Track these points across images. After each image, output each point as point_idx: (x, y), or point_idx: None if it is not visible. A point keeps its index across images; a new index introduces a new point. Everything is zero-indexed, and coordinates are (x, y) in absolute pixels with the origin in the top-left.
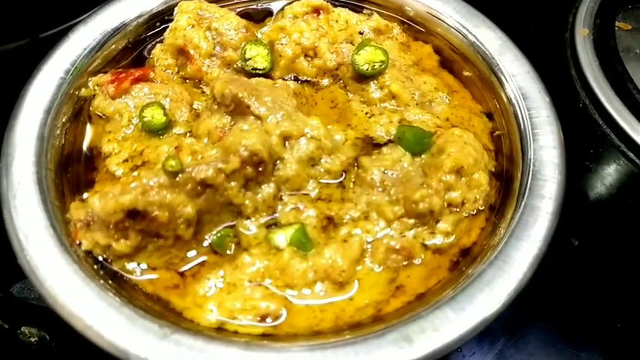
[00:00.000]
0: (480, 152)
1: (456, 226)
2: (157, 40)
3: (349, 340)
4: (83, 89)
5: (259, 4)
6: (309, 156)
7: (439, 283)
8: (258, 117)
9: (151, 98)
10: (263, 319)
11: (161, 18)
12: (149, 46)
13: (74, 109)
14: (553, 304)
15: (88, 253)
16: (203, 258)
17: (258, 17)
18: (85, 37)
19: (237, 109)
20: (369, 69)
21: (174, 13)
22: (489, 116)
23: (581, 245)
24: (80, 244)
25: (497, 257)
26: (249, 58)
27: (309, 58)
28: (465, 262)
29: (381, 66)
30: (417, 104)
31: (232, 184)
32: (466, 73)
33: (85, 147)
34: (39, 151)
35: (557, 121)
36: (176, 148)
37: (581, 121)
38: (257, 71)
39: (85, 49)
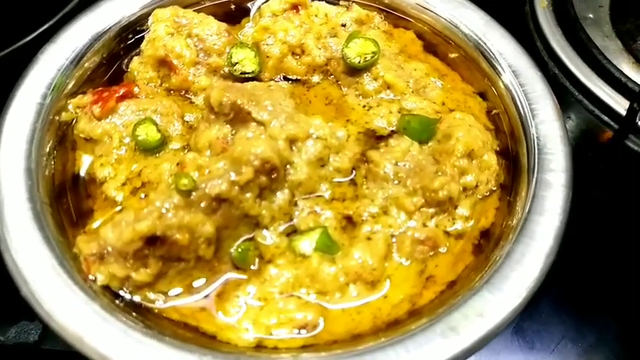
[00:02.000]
0: (484, 133)
1: (474, 210)
2: (133, 53)
3: (396, 338)
4: (63, 113)
5: (232, 5)
6: (318, 157)
7: (467, 268)
8: (260, 123)
9: (139, 115)
10: (301, 330)
11: (133, 29)
12: (125, 60)
13: (57, 135)
14: (564, 272)
15: (105, 287)
16: (227, 276)
17: (233, 19)
18: (56, 56)
19: (238, 117)
20: (362, 61)
21: (149, 22)
22: (482, 96)
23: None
24: (95, 279)
25: (522, 234)
26: (237, 63)
27: (297, 56)
28: (486, 244)
29: (372, 57)
30: (412, 92)
31: (247, 195)
32: (452, 55)
33: (75, 174)
34: (30, 185)
35: (552, 94)
36: (178, 164)
37: (553, 91)
38: (246, 75)
39: (59, 70)
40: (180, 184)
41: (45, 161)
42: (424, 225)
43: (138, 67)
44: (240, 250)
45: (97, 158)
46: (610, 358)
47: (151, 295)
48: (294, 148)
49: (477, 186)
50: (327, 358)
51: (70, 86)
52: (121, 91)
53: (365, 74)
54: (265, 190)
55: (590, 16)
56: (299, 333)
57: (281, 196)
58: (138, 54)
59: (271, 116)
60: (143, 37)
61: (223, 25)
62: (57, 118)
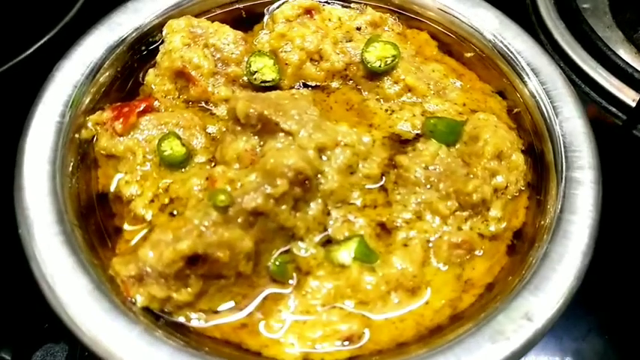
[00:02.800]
0: (510, 133)
1: (505, 211)
2: (148, 65)
3: (445, 345)
4: (83, 131)
5: (242, 12)
6: (347, 164)
7: (503, 270)
8: (288, 133)
9: (161, 129)
10: (346, 341)
11: (146, 41)
12: (140, 72)
13: (78, 153)
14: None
15: (145, 308)
16: (267, 291)
17: (244, 25)
18: (71, 72)
19: (265, 128)
20: (382, 65)
21: (163, 34)
22: (501, 94)
23: None
24: (134, 301)
25: (556, 234)
26: (256, 71)
27: (316, 62)
28: (520, 245)
29: (393, 61)
30: (433, 94)
31: (282, 207)
32: (468, 55)
33: (99, 193)
34: (57, 208)
35: (573, 92)
36: (208, 179)
37: None
38: (266, 84)
39: (75, 86)
40: (217, 201)
41: (69, 182)
42: (459, 229)
43: (154, 79)
44: (277, 263)
45: (121, 177)
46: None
47: (193, 315)
48: (323, 156)
49: (506, 187)
50: None
51: (86, 102)
52: (142, 106)
53: (385, 78)
54: (299, 201)
55: (589, 6)
56: (344, 345)
57: (314, 207)
58: (153, 66)
59: (299, 125)
60: (157, 49)
61: (239, 34)
62: (77, 136)
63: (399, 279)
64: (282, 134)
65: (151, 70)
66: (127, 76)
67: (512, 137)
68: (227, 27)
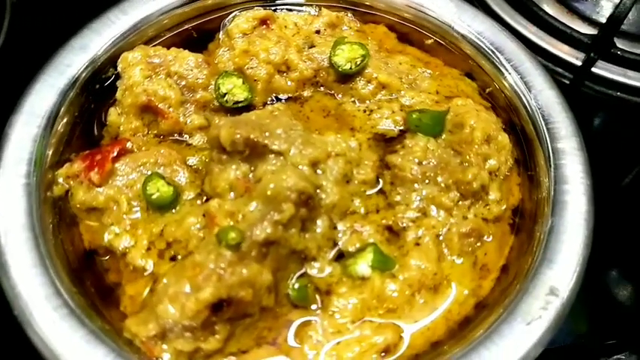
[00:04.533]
0: (490, 114)
1: (502, 191)
2: (107, 104)
3: (482, 336)
4: (54, 188)
5: (192, 32)
6: (343, 174)
7: (512, 249)
8: (279, 153)
9: (140, 171)
10: (384, 352)
11: (98, 78)
12: (101, 113)
13: (55, 213)
14: None
15: None
16: (292, 318)
17: (197, 46)
18: (26, 127)
19: (254, 152)
20: (353, 67)
21: (119, 68)
22: (469, 76)
23: None
24: None
25: (556, 206)
26: (226, 93)
27: (284, 73)
28: (522, 221)
29: (363, 61)
30: (407, 87)
31: (292, 231)
32: (428, 42)
33: (88, 250)
34: (49, 278)
35: (539, 64)
36: (205, 216)
37: None
38: (239, 104)
39: (35, 141)
40: (229, 239)
41: (54, 246)
42: (464, 218)
43: (118, 119)
44: (296, 288)
45: (106, 228)
46: None
47: None
48: (318, 171)
49: (498, 168)
50: None
51: (50, 156)
52: (115, 151)
53: (358, 79)
54: (306, 221)
55: None
56: (383, 357)
57: (321, 223)
58: (113, 104)
59: (288, 144)
60: (112, 85)
61: (200, 56)
62: (49, 194)
63: (420, 279)
64: (272, 155)
65: (112, 110)
66: (87, 120)
67: (493, 118)
68: (186, 52)
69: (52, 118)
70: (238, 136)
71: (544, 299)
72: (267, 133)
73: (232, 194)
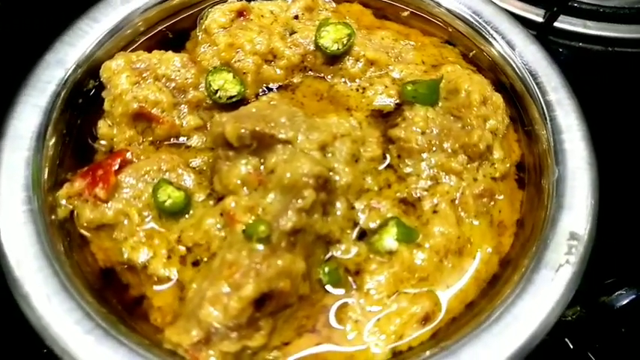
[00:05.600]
0: (480, 76)
1: (504, 149)
2: (94, 117)
3: (514, 290)
4: (58, 210)
5: (167, 32)
6: (351, 153)
7: (523, 203)
8: (286, 142)
9: (146, 180)
10: (425, 321)
11: (79, 92)
12: (90, 128)
13: (63, 236)
14: None
15: None
16: (328, 304)
17: (174, 46)
18: (17, 151)
19: (261, 144)
20: (340, 47)
21: (103, 78)
22: (450, 43)
23: None
24: None
25: (558, 155)
26: (218, 89)
27: (271, 62)
28: (527, 175)
29: (349, 40)
30: (394, 61)
31: (315, 216)
32: (404, 14)
33: (103, 269)
34: (77, 304)
35: (517, 23)
36: (222, 215)
37: None
38: (232, 99)
39: (28, 165)
40: (259, 233)
41: (71, 270)
42: (475, 180)
43: (109, 131)
44: (327, 272)
45: (122, 243)
46: None
47: (270, 356)
48: (327, 154)
49: (497, 127)
50: (477, 334)
51: (45, 179)
52: (117, 164)
53: (346, 58)
54: (326, 205)
55: None
56: (424, 325)
57: (340, 205)
58: (99, 117)
59: (294, 131)
60: (95, 97)
61: (185, 56)
62: (53, 218)
63: (445, 245)
64: (280, 145)
65: (101, 122)
66: (76, 137)
67: (484, 80)
68: (170, 53)
69: (41, 140)
70: (244, 130)
71: (566, 245)
72: (272, 124)
73: (246, 189)
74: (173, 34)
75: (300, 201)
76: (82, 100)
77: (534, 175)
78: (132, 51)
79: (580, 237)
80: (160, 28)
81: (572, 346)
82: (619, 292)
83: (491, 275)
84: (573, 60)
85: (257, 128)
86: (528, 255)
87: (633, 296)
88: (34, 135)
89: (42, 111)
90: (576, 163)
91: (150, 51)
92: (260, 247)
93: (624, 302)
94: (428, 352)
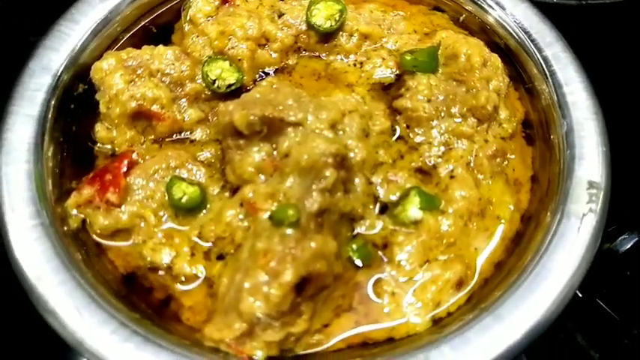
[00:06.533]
0: (477, 39)
1: (508, 108)
2: (89, 121)
3: (544, 243)
4: (69, 221)
5: (150, 27)
6: (361, 128)
7: (534, 159)
8: (297, 124)
9: (156, 180)
10: (458, 285)
11: (69, 96)
12: (88, 133)
13: (79, 247)
14: None
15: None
16: (360, 281)
17: (160, 40)
18: (15, 165)
19: (271, 129)
20: (334, 23)
21: (95, 81)
22: (438, 9)
23: None
24: (256, 357)
25: (563, 108)
26: (216, 79)
27: (264, 46)
28: (533, 132)
29: (341, 15)
30: (387, 33)
31: (338, 195)
32: None
33: (125, 275)
34: (109, 314)
35: None
36: (242, 205)
37: None
38: (232, 87)
39: (31, 177)
40: (290, 217)
41: (95, 279)
42: (486, 141)
43: (108, 133)
44: (356, 249)
45: (142, 247)
46: None
47: (313, 340)
48: (339, 132)
49: (500, 87)
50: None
51: (50, 189)
52: (124, 166)
53: (339, 35)
54: (346, 182)
55: None
56: (459, 289)
57: (359, 181)
58: (95, 120)
59: (303, 112)
60: (87, 101)
61: (176, 48)
62: (66, 229)
63: (468, 208)
64: (290, 128)
65: (98, 126)
66: (74, 143)
67: (480, 42)
68: (160, 47)
69: (39, 150)
70: (253, 117)
71: (587, 194)
72: (280, 107)
73: (262, 177)
74: (157, 29)
75: (322, 181)
76: (74, 105)
77: (541, 131)
78: (118, 49)
79: (598, 185)
80: (142, 24)
81: (580, 295)
82: (622, 237)
83: (515, 233)
84: (550, 16)
85: (266, 113)
86: (549, 208)
87: (635, 239)
88: (30, 146)
89: (35, 121)
90: (582, 114)
91: (136, 47)
92: (290, 231)
93: (627, 247)
94: (470, 315)
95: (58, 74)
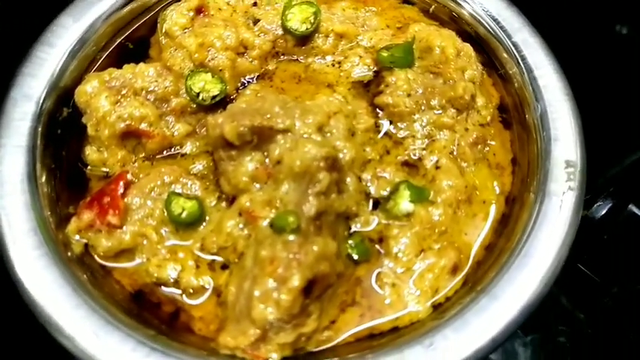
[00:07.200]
0: (447, 30)
1: (484, 95)
2: (77, 145)
3: (528, 224)
4: (72, 246)
5: (127, 44)
6: (347, 129)
7: (513, 142)
8: (285, 130)
9: (153, 197)
10: (455, 270)
11: (54, 121)
12: (78, 156)
13: (86, 271)
14: None
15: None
16: (360, 275)
17: (138, 57)
18: (12, 196)
19: (262, 138)
20: (309, 26)
21: (80, 104)
22: (408, 2)
23: None
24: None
25: (536, 92)
26: (199, 92)
27: (244, 55)
28: (509, 115)
29: (316, 17)
30: (361, 31)
31: (332, 196)
32: None
33: (132, 293)
34: (126, 333)
35: None
36: (241, 215)
37: None
38: (216, 98)
39: (29, 208)
40: (290, 224)
41: (108, 303)
42: (466, 130)
43: (99, 156)
44: (354, 246)
45: (147, 265)
46: None
47: (323, 337)
48: (326, 134)
49: (475, 75)
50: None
51: (48, 217)
52: (121, 187)
53: (315, 36)
54: (339, 183)
55: None
56: (455, 275)
57: (350, 180)
58: (83, 144)
59: (290, 119)
60: (73, 124)
61: (157, 64)
62: (70, 255)
63: (455, 196)
64: (279, 135)
65: (88, 149)
66: (66, 169)
67: (452, 33)
68: (141, 64)
69: (33, 180)
70: (243, 128)
71: (565, 173)
72: (267, 115)
73: (256, 185)
74: (133, 44)
75: (317, 185)
76: (60, 130)
77: (517, 114)
78: (97, 70)
79: (574, 163)
80: (118, 41)
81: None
82: (597, 204)
83: (501, 215)
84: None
85: (255, 123)
86: (531, 189)
87: (610, 205)
88: (24, 177)
89: (25, 151)
90: (554, 96)
91: (114, 66)
92: (292, 237)
93: (602, 213)
94: (468, 298)
95: (41, 101)
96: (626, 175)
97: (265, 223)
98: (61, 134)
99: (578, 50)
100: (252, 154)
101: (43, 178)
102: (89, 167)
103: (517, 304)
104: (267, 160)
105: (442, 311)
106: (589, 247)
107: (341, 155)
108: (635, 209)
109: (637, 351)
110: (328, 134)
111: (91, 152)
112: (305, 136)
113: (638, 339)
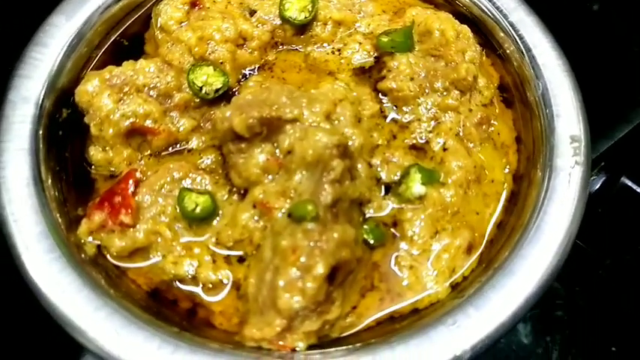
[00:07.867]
0: (445, 13)
1: (485, 76)
2: (79, 146)
3: (539, 200)
4: (85, 249)
5: (122, 40)
6: (353, 115)
7: (515, 121)
8: (294, 120)
9: (164, 195)
10: (470, 250)
11: (55, 124)
12: (81, 158)
13: (101, 272)
14: None
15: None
16: (377, 260)
17: (134, 53)
18: (19, 200)
19: (271, 129)
20: (307, 15)
21: (81, 104)
22: None
23: None
24: (298, 349)
25: (535, 70)
26: (202, 86)
27: (243, 46)
28: (510, 95)
29: (314, 5)
30: (359, 17)
31: (346, 183)
32: None
33: (149, 292)
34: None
35: None
36: (255, 207)
37: None
38: (219, 92)
39: (37, 211)
40: (310, 212)
41: (129, 302)
42: (470, 110)
43: (104, 155)
44: (370, 231)
45: (164, 262)
46: None
47: (346, 323)
48: (335, 122)
49: (474, 56)
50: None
51: (58, 220)
52: (131, 186)
53: (314, 25)
54: (351, 169)
55: None
56: (470, 254)
57: (361, 167)
58: (86, 144)
59: (298, 108)
60: (74, 125)
61: (157, 60)
62: (83, 257)
63: (465, 177)
64: (288, 125)
65: (92, 149)
66: (70, 170)
67: (449, 15)
68: (141, 61)
69: (39, 183)
70: (252, 120)
71: (571, 148)
72: (275, 106)
73: (269, 176)
74: (128, 41)
75: (331, 173)
76: (61, 131)
77: (517, 93)
78: (93, 68)
79: (579, 138)
80: (113, 38)
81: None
82: (591, 178)
83: (510, 192)
84: None
85: (264, 114)
86: (538, 166)
87: (603, 179)
88: (29, 181)
89: (28, 154)
90: (553, 73)
91: (110, 63)
92: (312, 225)
93: (597, 187)
94: (485, 277)
95: (40, 102)
96: (617, 149)
97: (281, 213)
98: (62, 135)
99: (568, 27)
100: (262, 145)
101: (49, 181)
102: (94, 167)
103: (533, 279)
104: (277, 151)
105: (461, 290)
106: (583, 220)
107: (350, 142)
108: (627, 181)
109: (630, 322)
110: (336, 122)
111: (95, 152)
112: (314, 124)
113: (631, 310)
